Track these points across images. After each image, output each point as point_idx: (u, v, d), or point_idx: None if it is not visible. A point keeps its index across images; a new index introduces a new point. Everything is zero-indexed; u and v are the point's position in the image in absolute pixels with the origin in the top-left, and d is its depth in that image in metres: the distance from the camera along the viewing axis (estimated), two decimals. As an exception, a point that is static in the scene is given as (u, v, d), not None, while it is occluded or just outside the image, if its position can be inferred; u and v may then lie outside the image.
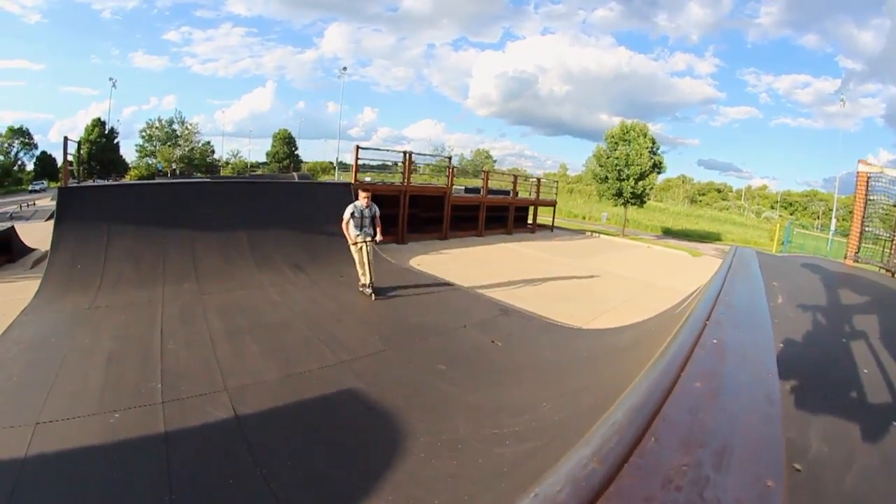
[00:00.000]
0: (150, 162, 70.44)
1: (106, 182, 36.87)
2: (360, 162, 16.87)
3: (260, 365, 6.13)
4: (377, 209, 10.00)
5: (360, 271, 9.64)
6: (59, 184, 15.33)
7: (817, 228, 49.72)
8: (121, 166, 67.24)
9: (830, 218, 45.73)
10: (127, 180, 51.53)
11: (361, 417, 5.12)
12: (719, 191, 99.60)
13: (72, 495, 3.75)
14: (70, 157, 13.35)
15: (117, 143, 68.88)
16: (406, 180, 17.67)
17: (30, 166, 71.08)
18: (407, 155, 17.98)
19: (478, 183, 28.95)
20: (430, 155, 51.37)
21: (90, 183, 17.55)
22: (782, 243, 28.79)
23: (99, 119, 67.18)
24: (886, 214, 9.81)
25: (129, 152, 72.97)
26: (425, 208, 18.27)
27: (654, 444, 1.32)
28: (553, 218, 26.82)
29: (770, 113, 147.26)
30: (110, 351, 6.37)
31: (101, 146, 63.23)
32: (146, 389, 5.37)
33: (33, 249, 13.16)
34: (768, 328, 2.65)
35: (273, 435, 4.66)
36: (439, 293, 10.32)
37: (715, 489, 1.14)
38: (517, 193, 24.27)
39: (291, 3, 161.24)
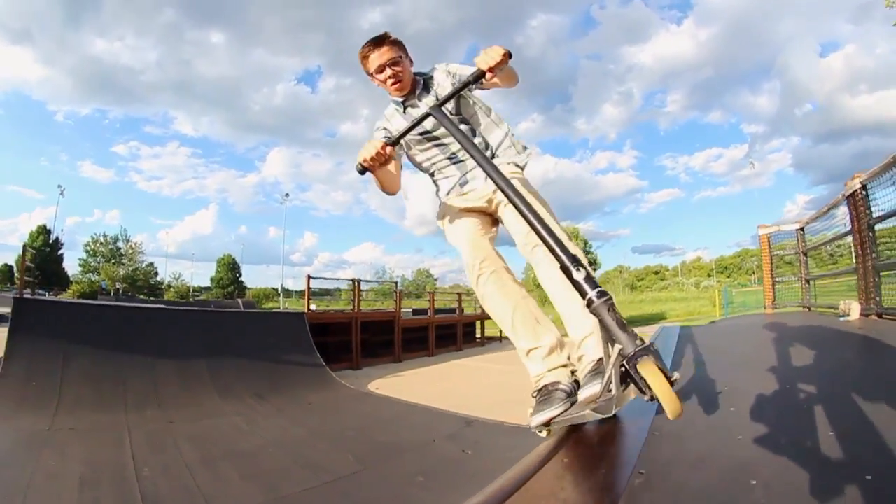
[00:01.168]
0: (92, 278, 69.13)
1: (52, 297, 36.16)
2: (302, 289, 17.34)
3: (243, 490, 6.08)
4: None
5: None
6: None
7: (754, 283, 51.65)
8: (63, 279, 65.76)
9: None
10: (67, 297, 50.22)
11: None
12: (656, 272, 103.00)
13: None
14: (11, 264, 13.52)
15: (61, 254, 67.95)
16: (356, 307, 18.03)
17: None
18: (356, 282, 18.55)
19: (424, 304, 29.40)
20: (376, 281, 52.11)
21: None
22: (724, 306, 29.84)
23: (44, 226, 66.55)
24: (789, 263, 10.92)
25: (70, 265, 71.68)
26: (376, 332, 18.54)
27: None
28: (501, 330, 27.05)
29: (691, 189, 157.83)
30: (81, 475, 6.17)
31: (43, 256, 62.09)
32: (126, 515, 5.30)
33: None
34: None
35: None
36: (403, 413, 10.43)
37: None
38: (463, 310, 24.88)
39: (235, 125, 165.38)
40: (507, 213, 3.28)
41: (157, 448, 7.45)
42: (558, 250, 2.12)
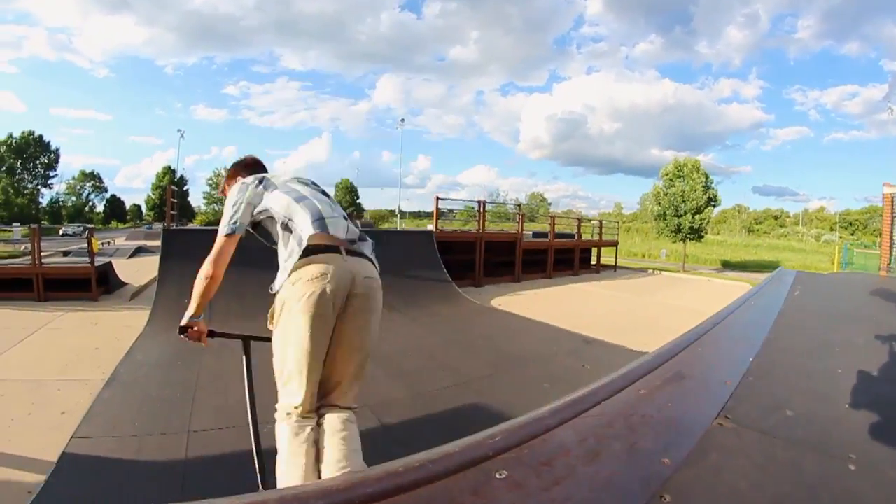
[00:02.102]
0: (216, 208, 72.43)
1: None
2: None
3: (390, 385, 6.70)
4: None
5: None
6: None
7: (878, 246, 47.34)
8: (189, 212, 69.39)
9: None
10: (195, 224, 52.90)
11: (488, 422, 5.58)
12: (776, 217, 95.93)
13: (242, 490, 4.20)
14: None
15: (186, 189, 71.56)
16: (481, 228, 18.25)
17: (99, 207, 74.09)
18: (482, 204, 18.60)
19: (540, 227, 29.26)
20: (500, 203, 51.69)
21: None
22: (842, 266, 28.28)
23: (169, 167, 70.32)
24: None
25: (195, 198, 75.84)
26: (498, 253, 18.81)
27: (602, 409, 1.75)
28: (616, 258, 26.93)
29: (821, 130, 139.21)
30: (239, 373, 6.80)
31: (174, 193, 63.63)
32: (292, 405, 5.87)
33: (126, 284, 14.15)
34: (760, 338, 3.03)
35: (417, 437, 5.20)
36: (527, 328, 10.85)
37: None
38: (581, 236, 24.67)
39: (343, 57, 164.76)
40: None
41: (305, 350, 8.12)
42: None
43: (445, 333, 10.05)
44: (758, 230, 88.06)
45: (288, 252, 2.92)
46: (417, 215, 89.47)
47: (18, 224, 38.96)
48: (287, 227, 2.99)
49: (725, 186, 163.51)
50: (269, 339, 3.12)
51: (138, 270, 16.45)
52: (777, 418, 1.68)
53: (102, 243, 27.40)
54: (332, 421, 2.75)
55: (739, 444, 1.46)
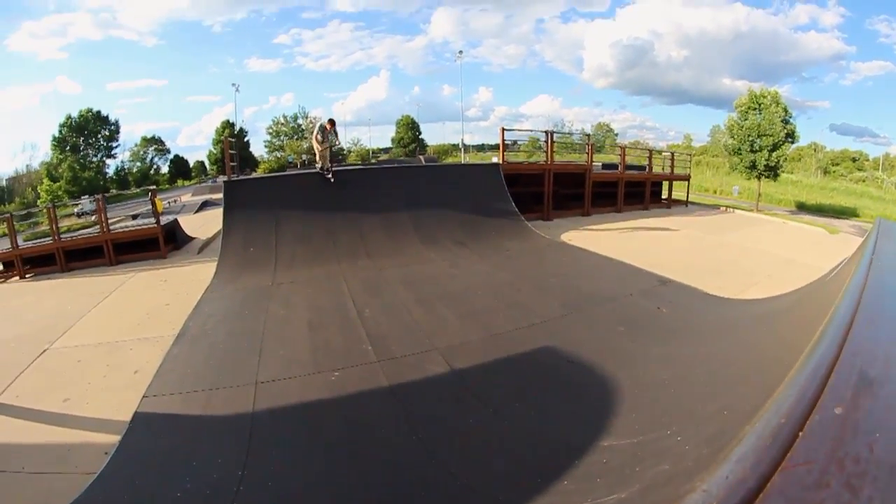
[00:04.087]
0: (279, 155, 73.56)
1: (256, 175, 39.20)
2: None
3: (459, 327, 6.52)
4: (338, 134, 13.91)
5: (323, 162, 12.65)
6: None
7: None
8: (252, 162, 70.43)
9: None
10: (258, 173, 53.83)
11: (564, 368, 5.48)
12: (854, 160, 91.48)
13: (308, 440, 4.20)
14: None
15: (247, 140, 72.41)
16: (549, 159, 17.64)
17: (164, 169, 75.91)
18: (549, 134, 17.97)
19: (608, 159, 28.52)
20: (566, 133, 50.70)
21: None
22: None
23: (227, 121, 71.22)
24: None
25: (256, 149, 76.70)
26: (567, 185, 18.17)
27: (803, 446, 1.22)
28: (687, 193, 26.05)
29: None
30: (309, 320, 6.94)
31: (231, 145, 65.13)
32: (358, 351, 5.80)
33: (193, 238, 14.43)
34: None
35: (490, 384, 5.06)
36: (600, 265, 10.47)
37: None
38: (652, 169, 23.64)
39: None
40: None
41: (374, 292, 8.08)
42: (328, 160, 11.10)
43: (515, 270, 9.82)
44: (834, 172, 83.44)
45: None
46: (481, 148, 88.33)
47: (87, 196, 39.91)
48: None
49: (801, 122, 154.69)
50: None
51: (204, 224, 16.74)
52: None
53: (169, 202, 28.04)
54: None
55: None
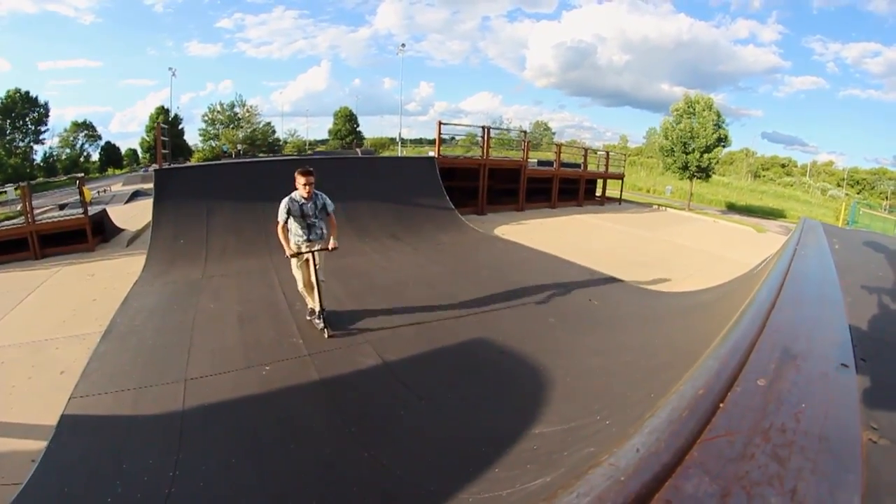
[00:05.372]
0: (213, 144, 71.93)
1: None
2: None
3: (391, 319, 6.65)
4: (327, 199, 6.80)
5: (304, 293, 6.70)
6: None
7: (885, 209, 46.83)
8: (186, 150, 68.89)
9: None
10: (192, 163, 52.76)
11: (496, 359, 5.63)
12: (783, 166, 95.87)
13: (240, 438, 4.17)
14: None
15: (181, 128, 70.53)
16: (485, 154, 17.88)
17: (95, 156, 73.66)
18: (486, 130, 18.23)
19: (545, 156, 28.97)
20: (505, 129, 51.27)
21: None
22: (847, 223, 28.12)
23: (162, 107, 68.97)
24: None
25: (191, 137, 74.75)
26: (502, 181, 18.47)
27: (724, 417, 1.29)
28: (621, 191, 26.74)
29: (837, 84, 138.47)
30: (239, 314, 6.93)
31: (164, 132, 63.36)
32: (289, 344, 5.88)
33: (123, 230, 14.02)
34: (840, 303, 2.61)
35: (422, 375, 5.17)
36: (532, 258, 10.70)
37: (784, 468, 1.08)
38: (587, 166, 24.34)
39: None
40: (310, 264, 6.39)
41: (305, 284, 8.08)
42: (319, 292, 6.27)
43: (449, 263, 10.00)
44: (764, 176, 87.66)
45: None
46: (419, 143, 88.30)
47: (11, 185, 38.40)
48: None
49: (735, 128, 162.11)
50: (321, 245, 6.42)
51: (135, 215, 16.30)
52: None
53: (98, 191, 27.25)
54: None
55: None
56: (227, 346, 5.89)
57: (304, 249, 6.40)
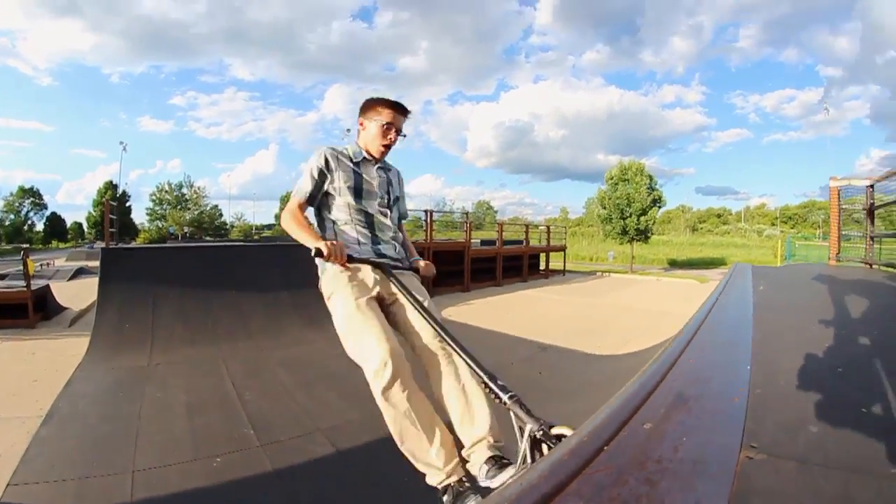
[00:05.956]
0: (160, 225, 71.22)
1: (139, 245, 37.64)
2: None
3: (343, 407, 6.57)
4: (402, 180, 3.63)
5: (381, 376, 2.56)
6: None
7: (819, 238, 49.28)
8: (132, 229, 67.89)
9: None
10: (137, 243, 51.90)
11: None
12: (719, 216, 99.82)
13: None
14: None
15: (129, 206, 69.77)
16: (429, 237, 18.48)
17: (39, 226, 72.29)
18: (429, 213, 18.97)
19: (486, 235, 29.50)
20: (447, 212, 52.15)
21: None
22: (785, 258, 29.46)
23: (111, 182, 68.54)
24: (857, 221, 10.62)
25: (138, 215, 74.04)
26: (446, 262, 18.73)
27: (605, 456, 1.39)
28: (564, 262, 27.26)
29: (760, 131, 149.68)
30: (187, 404, 6.73)
31: (112, 209, 62.19)
32: (240, 435, 5.71)
33: (66, 308, 13.60)
34: (748, 344, 2.86)
35: (371, 468, 5.06)
36: (481, 337, 10.79)
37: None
38: (529, 242, 24.96)
39: (292, 66, 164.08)
40: (406, 309, 2.90)
41: (254, 374, 7.97)
42: (476, 366, 2.46)
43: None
44: (702, 229, 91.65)
45: None
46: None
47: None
48: None
49: (669, 188, 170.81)
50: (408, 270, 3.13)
51: (78, 294, 15.83)
52: (805, 438, 1.57)
53: (41, 264, 26.60)
54: None
55: (780, 483, 1.30)
56: (175, 436, 5.71)
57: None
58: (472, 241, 21.36)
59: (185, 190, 75.35)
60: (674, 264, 45.14)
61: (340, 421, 6.13)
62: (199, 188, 76.68)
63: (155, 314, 9.97)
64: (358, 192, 3.10)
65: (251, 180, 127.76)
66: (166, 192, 74.68)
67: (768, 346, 2.76)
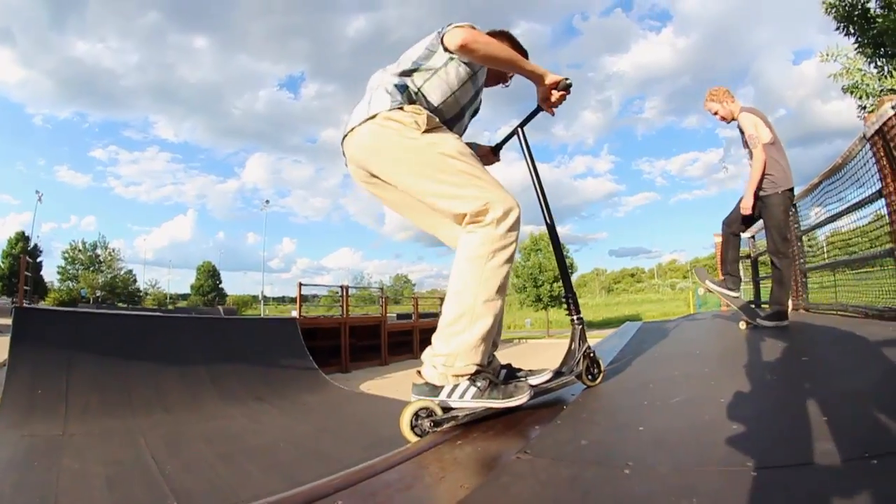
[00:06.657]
0: (71, 286, 67.74)
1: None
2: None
3: (264, 480, 6.63)
4: None
5: None
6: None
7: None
8: (41, 288, 64.26)
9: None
10: (46, 303, 49.64)
11: None
12: (633, 275, 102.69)
13: None
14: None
15: (40, 261, 65.72)
16: (345, 312, 18.77)
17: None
18: (344, 289, 19.29)
19: (404, 309, 29.91)
20: (363, 287, 52.26)
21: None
22: (697, 307, 30.96)
23: (22, 233, 64.47)
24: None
25: (48, 273, 69.57)
26: (363, 337, 19.23)
27: None
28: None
29: (667, 193, 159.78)
30: (107, 476, 6.65)
31: (28, 265, 57.85)
32: (164, 508, 5.67)
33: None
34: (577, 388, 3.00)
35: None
36: (398, 411, 10.67)
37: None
38: (444, 314, 24.99)
39: (216, 131, 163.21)
40: None
41: (174, 448, 7.94)
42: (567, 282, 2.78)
43: (316, 422, 10.15)
44: (617, 289, 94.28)
45: None
46: (282, 300, 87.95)
47: None
48: None
49: (583, 254, 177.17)
50: None
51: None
52: (571, 447, 1.82)
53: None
54: None
55: (530, 470, 1.61)
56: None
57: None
58: (389, 315, 21.83)
59: (99, 251, 72.05)
60: (590, 325, 45.01)
61: (263, 492, 6.12)
62: (113, 250, 73.63)
63: (69, 382, 9.70)
64: None
65: (167, 246, 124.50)
66: (80, 251, 71.09)
67: (597, 389, 2.98)
